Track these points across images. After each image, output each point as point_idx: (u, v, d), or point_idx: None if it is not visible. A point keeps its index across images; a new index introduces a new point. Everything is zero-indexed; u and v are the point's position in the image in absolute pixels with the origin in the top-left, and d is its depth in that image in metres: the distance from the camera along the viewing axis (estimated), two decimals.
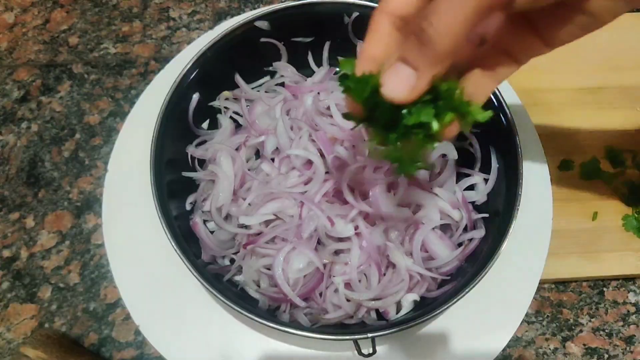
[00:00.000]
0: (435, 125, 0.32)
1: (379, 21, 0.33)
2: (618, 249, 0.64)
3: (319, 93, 0.63)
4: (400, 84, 0.31)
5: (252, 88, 0.66)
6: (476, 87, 0.36)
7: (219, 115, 0.65)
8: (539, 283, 0.58)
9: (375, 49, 0.34)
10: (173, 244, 0.50)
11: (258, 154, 0.63)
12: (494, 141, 0.58)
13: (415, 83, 0.31)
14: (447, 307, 0.48)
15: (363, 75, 0.33)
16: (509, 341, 0.56)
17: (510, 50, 0.37)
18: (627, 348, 0.62)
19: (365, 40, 0.35)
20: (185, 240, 0.53)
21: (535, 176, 0.63)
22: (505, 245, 0.50)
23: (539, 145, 0.65)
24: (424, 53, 0.30)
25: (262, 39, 0.62)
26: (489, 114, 0.34)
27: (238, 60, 0.63)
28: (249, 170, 0.60)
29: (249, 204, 0.57)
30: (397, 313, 0.54)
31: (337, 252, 0.55)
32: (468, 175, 0.61)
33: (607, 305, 0.64)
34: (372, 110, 0.34)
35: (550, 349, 0.62)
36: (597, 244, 0.65)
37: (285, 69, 0.66)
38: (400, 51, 0.31)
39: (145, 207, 0.54)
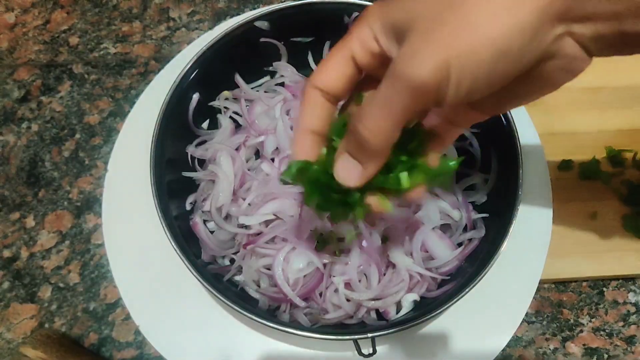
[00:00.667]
0: (405, 183, 0.35)
1: (310, 94, 0.36)
2: (618, 249, 0.64)
3: None
4: (350, 174, 0.34)
5: (252, 88, 0.66)
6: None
7: (219, 115, 0.65)
8: (539, 283, 0.58)
9: (310, 120, 0.36)
10: (173, 244, 0.50)
11: (258, 154, 0.63)
12: (494, 141, 0.58)
13: (362, 172, 0.34)
14: (447, 307, 0.48)
15: (301, 165, 0.36)
16: (509, 341, 0.56)
17: (454, 121, 0.39)
18: (628, 348, 0.62)
19: (300, 112, 0.37)
20: (185, 240, 0.53)
21: (535, 176, 0.63)
22: (505, 245, 0.50)
23: (539, 145, 0.65)
24: (362, 150, 0.33)
25: (262, 39, 0.62)
26: (455, 164, 0.37)
27: (238, 60, 0.63)
28: (249, 170, 0.60)
29: (249, 204, 0.57)
30: (397, 313, 0.54)
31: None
32: (468, 175, 0.61)
33: (607, 305, 0.64)
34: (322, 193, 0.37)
35: (550, 349, 0.62)
36: (597, 244, 0.65)
37: (285, 69, 0.66)
38: (345, 145, 0.34)
39: (145, 207, 0.54)
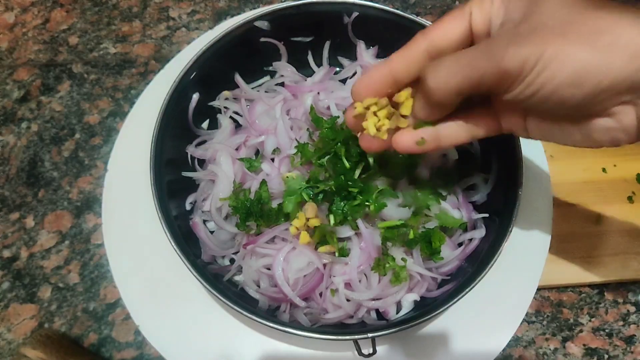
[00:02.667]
0: None
1: (417, 39, 0.38)
2: (621, 252, 0.64)
3: (319, 93, 0.63)
4: (419, 111, 0.39)
5: (252, 88, 0.66)
6: (449, 134, 0.41)
7: (219, 115, 0.65)
8: (540, 283, 0.58)
9: (398, 62, 0.39)
10: (173, 244, 0.50)
11: (258, 154, 0.63)
12: (495, 141, 0.57)
13: (429, 113, 0.39)
14: (447, 307, 0.48)
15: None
16: (509, 341, 0.56)
17: (499, 115, 0.41)
18: (627, 348, 0.62)
19: (394, 53, 0.39)
20: (185, 240, 0.53)
21: (536, 176, 0.62)
22: (505, 245, 0.50)
23: (540, 145, 0.65)
24: (426, 97, 0.37)
25: (262, 39, 0.62)
26: None
27: (238, 60, 0.63)
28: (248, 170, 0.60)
29: None
30: (397, 313, 0.54)
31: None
32: (468, 175, 0.61)
33: (607, 305, 0.64)
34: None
35: (550, 349, 0.62)
36: (599, 248, 0.64)
37: (285, 69, 0.66)
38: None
39: (145, 207, 0.54)
